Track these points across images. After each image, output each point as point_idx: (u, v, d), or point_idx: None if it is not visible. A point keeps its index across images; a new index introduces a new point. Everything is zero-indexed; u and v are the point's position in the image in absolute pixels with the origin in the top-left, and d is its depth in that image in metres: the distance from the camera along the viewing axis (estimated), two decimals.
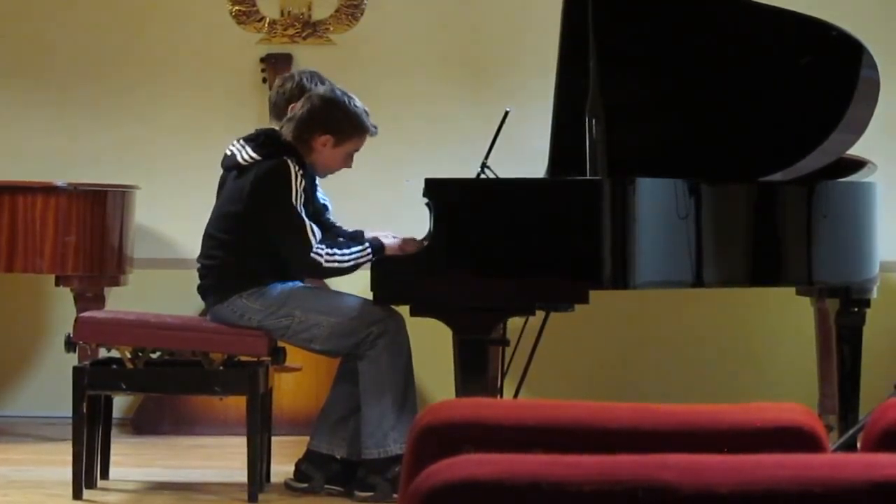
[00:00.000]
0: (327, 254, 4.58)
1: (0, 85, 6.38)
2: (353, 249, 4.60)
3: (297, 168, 4.61)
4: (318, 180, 4.86)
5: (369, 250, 4.59)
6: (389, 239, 4.66)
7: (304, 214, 4.59)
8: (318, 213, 4.79)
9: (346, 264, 4.59)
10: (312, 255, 4.56)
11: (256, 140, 4.71)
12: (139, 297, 5.85)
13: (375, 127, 4.77)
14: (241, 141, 4.73)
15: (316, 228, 4.62)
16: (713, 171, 4.60)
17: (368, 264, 4.53)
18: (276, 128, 4.79)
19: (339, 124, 4.70)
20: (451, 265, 4.35)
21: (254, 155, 4.66)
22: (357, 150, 4.79)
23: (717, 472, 1.57)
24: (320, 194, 4.91)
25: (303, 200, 4.62)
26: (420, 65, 6.33)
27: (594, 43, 4.43)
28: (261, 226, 4.62)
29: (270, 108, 5.02)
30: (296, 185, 4.59)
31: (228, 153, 4.75)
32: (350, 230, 4.85)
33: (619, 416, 1.95)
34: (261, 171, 4.62)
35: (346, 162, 4.80)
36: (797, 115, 4.78)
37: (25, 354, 6.37)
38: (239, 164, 4.69)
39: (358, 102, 4.76)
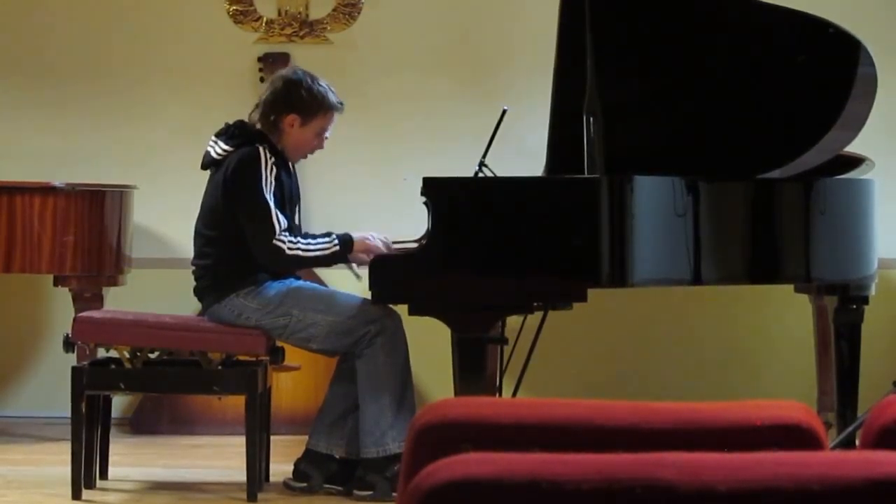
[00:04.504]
0: (290, 241, 4.58)
1: None
2: (319, 240, 4.62)
3: (268, 155, 4.63)
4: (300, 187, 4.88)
5: (336, 242, 4.61)
6: (360, 234, 4.67)
7: (271, 201, 4.60)
8: (293, 206, 4.78)
9: (309, 253, 4.60)
10: (275, 241, 4.57)
11: (227, 133, 4.74)
12: (137, 297, 5.85)
13: (341, 103, 4.79)
14: (213, 137, 4.76)
15: (282, 217, 4.62)
16: (711, 169, 4.60)
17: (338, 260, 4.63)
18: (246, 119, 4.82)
19: (302, 102, 4.72)
20: (449, 264, 4.35)
21: (226, 147, 4.70)
22: (325, 128, 4.79)
23: (715, 470, 1.57)
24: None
25: (273, 188, 4.62)
26: (417, 63, 6.33)
27: (591, 41, 4.43)
28: (235, 214, 4.64)
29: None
30: (265, 171, 4.61)
31: (205, 152, 4.79)
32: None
33: (617, 415, 1.95)
34: (233, 160, 4.65)
35: (318, 142, 4.79)
36: (795, 113, 4.78)
37: (24, 354, 6.37)
38: (214, 159, 4.72)
39: (322, 81, 4.77)
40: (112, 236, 5.68)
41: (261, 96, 4.82)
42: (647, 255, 4.36)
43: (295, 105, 4.72)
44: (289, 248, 4.58)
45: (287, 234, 4.60)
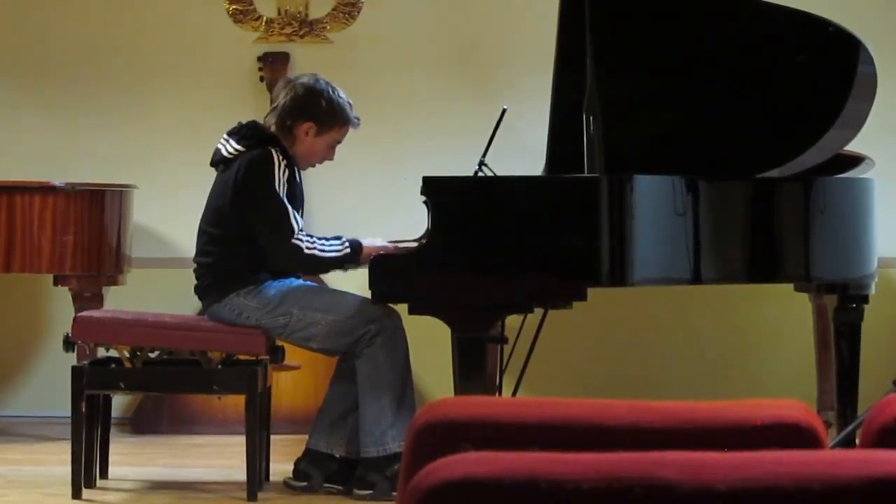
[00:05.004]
0: (308, 241, 4.59)
1: None
2: (333, 242, 4.63)
3: (280, 158, 4.64)
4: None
5: (347, 246, 4.62)
6: (369, 241, 4.66)
7: (286, 202, 4.61)
8: (299, 208, 4.79)
9: (326, 254, 4.61)
10: (294, 240, 4.57)
11: (240, 133, 4.74)
12: (137, 297, 5.86)
13: (358, 118, 4.81)
14: (225, 135, 4.76)
15: (298, 217, 4.63)
16: (711, 168, 4.60)
17: (346, 265, 4.63)
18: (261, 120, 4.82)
19: (321, 112, 4.73)
20: (449, 263, 4.35)
21: (238, 147, 4.70)
22: (339, 141, 4.82)
23: (715, 469, 1.57)
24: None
25: (285, 190, 4.63)
26: (417, 63, 6.33)
27: (591, 40, 4.43)
28: (246, 216, 4.64)
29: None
30: (279, 173, 4.62)
31: (216, 149, 4.79)
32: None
33: (617, 414, 1.95)
34: (244, 161, 4.65)
35: (328, 153, 4.83)
36: (794, 112, 4.78)
37: (24, 354, 6.37)
38: (224, 157, 4.72)
39: (342, 93, 4.79)
40: (112, 236, 5.68)
41: (276, 100, 4.82)
42: (646, 255, 4.36)
43: (313, 114, 4.73)
44: (307, 248, 4.59)
45: (304, 232, 4.61)
